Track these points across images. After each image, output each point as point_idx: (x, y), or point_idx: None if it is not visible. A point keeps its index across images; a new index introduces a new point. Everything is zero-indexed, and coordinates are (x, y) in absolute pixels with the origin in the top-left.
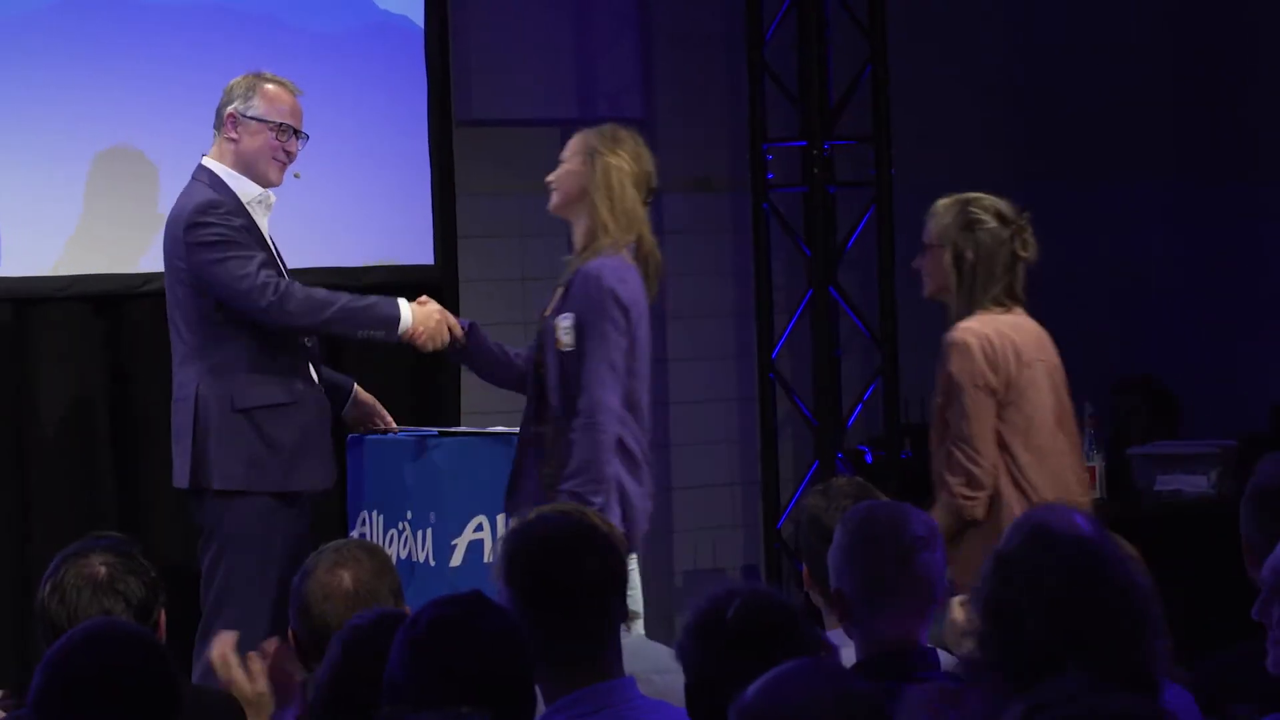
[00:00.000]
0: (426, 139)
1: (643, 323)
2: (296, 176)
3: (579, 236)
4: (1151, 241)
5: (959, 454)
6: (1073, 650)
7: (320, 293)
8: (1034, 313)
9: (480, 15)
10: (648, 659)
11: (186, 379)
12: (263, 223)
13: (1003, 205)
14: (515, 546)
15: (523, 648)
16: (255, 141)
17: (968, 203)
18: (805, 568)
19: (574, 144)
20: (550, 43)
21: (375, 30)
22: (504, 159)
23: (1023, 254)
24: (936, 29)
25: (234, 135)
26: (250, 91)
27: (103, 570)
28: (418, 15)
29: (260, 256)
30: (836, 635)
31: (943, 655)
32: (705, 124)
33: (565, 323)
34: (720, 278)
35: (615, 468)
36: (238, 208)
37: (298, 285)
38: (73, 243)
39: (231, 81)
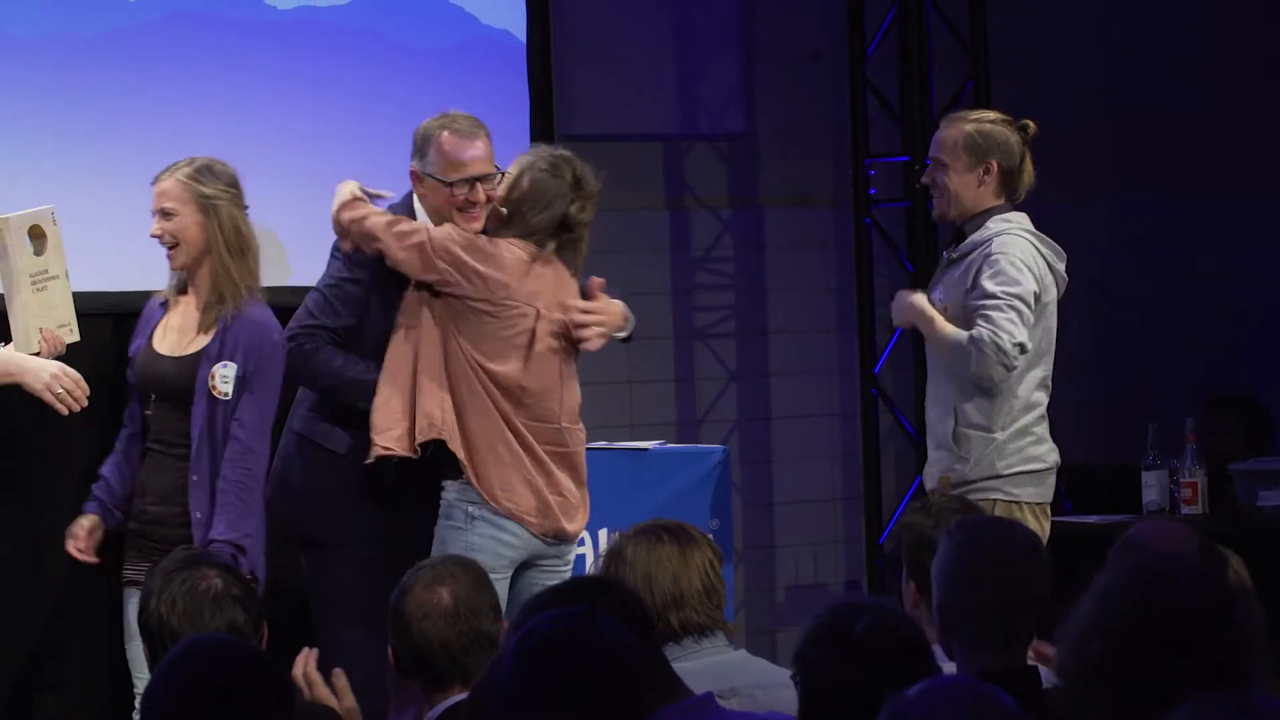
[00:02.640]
0: None
1: None
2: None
3: None
4: (1250, 257)
5: None
6: (1181, 683)
7: (332, 362)
8: (1130, 325)
9: (582, 31)
10: (751, 674)
11: None
12: None
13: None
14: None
15: (635, 664)
16: (437, 198)
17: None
18: (912, 585)
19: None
20: (653, 58)
21: (478, 45)
22: (607, 174)
23: None
24: (1038, 42)
25: (420, 190)
26: (426, 145)
27: (219, 582)
28: (520, 30)
29: (330, 320)
30: (936, 652)
31: (1045, 673)
32: (807, 139)
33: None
34: (822, 293)
35: None
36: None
37: (321, 349)
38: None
39: (415, 130)
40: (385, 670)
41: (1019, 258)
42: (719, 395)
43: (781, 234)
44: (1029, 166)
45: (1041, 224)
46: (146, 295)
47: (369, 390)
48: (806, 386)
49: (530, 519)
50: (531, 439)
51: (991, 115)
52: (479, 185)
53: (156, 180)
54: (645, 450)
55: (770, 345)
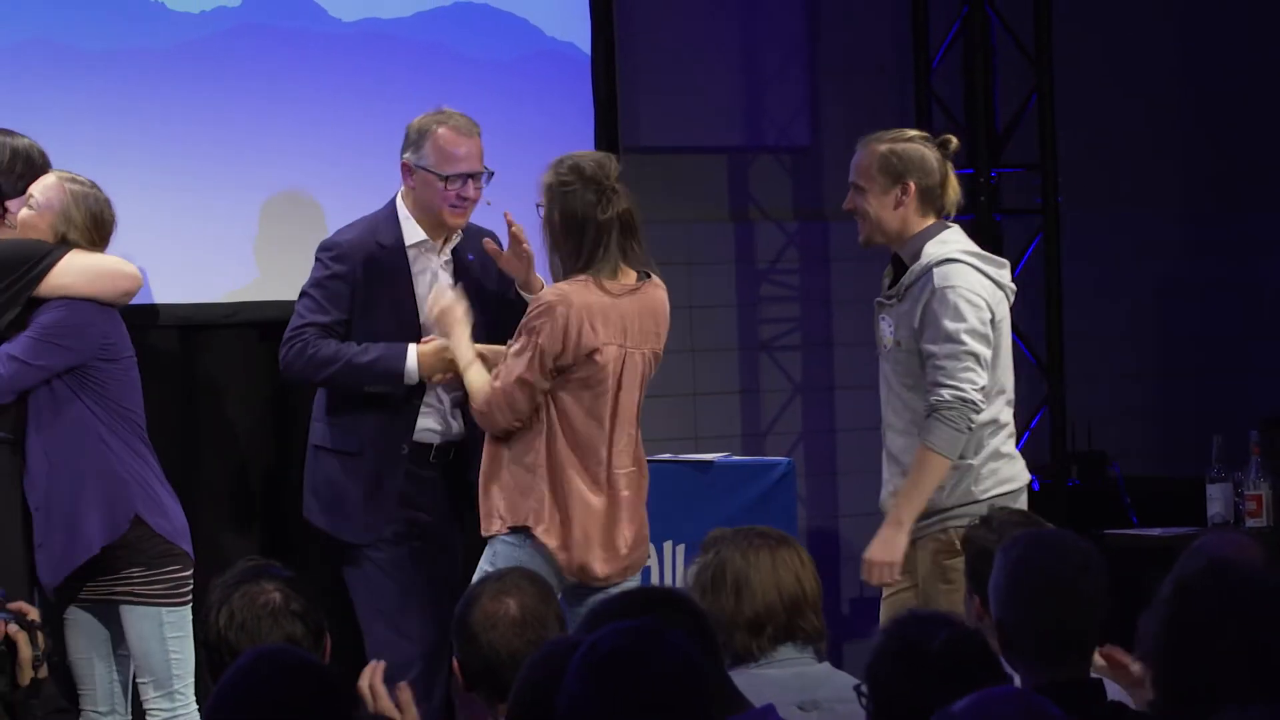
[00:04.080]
0: None
1: None
2: (488, 204)
3: None
4: None
5: None
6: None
7: (326, 350)
8: (1193, 338)
9: (647, 43)
10: (835, 687)
11: None
12: (422, 265)
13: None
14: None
15: (703, 678)
16: (428, 191)
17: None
18: (976, 598)
19: None
20: (718, 70)
21: (543, 58)
22: (671, 186)
23: None
24: (1103, 55)
25: (410, 183)
26: (422, 139)
27: (278, 596)
28: (584, 42)
29: (322, 317)
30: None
31: (1111, 686)
32: None
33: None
34: None
35: None
36: (371, 253)
37: (314, 342)
38: (243, 270)
39: (409, 124)
40: (450, 681)
41: (967, 289)
42: (784, 408)
43: (846, 246)
44: (954, 183)
45: (1105, 235)
46: (212, 307)
47: (366, 372)
48: (871, 399)
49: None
50: None
51: (908, 134)
52: (470, 182)
53: None
54: (710, 463)
55: (835, 357)
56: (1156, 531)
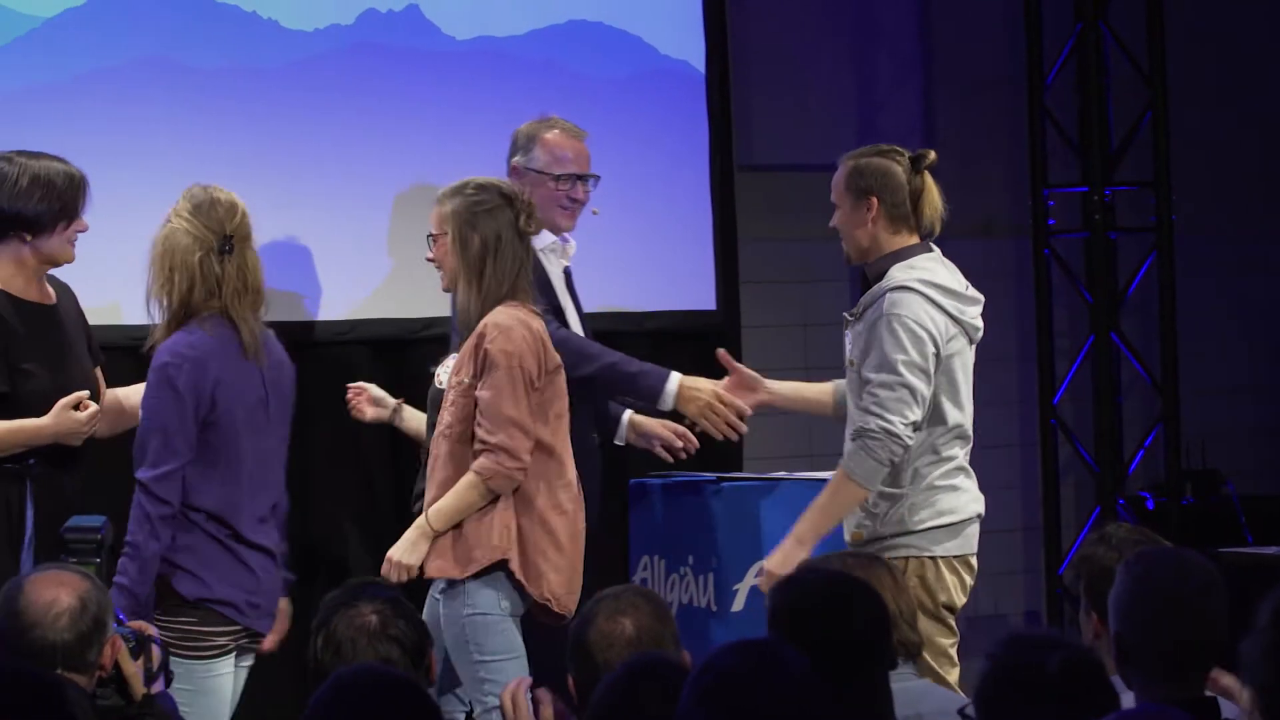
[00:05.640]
0: (708, 184)
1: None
2: (595, 213)
3: None
4: None
5: None
6: None
7: (589, 347)
8: None
9: (761, 60)
10: (936, 701)
11: None
12: (555, 269)
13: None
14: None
15: (817, 696)
16: (539, 193)
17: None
18: (1094, 616)
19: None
20: (832, 87)
21: (657, 76)
22: (785, 204)
23: None
24: (1217, 72)
25: (520, 186)
26: (530, 143)
27: (374, 619)
28: (699, 60)
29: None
30: (1115, 682)
31: (1225, 704)
32: (986, 169)
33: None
34: (1002, 323)
35: None
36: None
37: (571, 334)
38: (363, 286)
39: (516, 130)
40: (565, 697)
41: (913, 320)
42: None
43: (961, 263)
44: (932, 199)
45: (1219, 252)
46: (329, 325)
47: (626, 382)
48: (985, 417)
49: None
50: None
51: (879, 149)
52: (579, 184)
53: None
54: (825, 480)
55: None
56: (1271, 550)
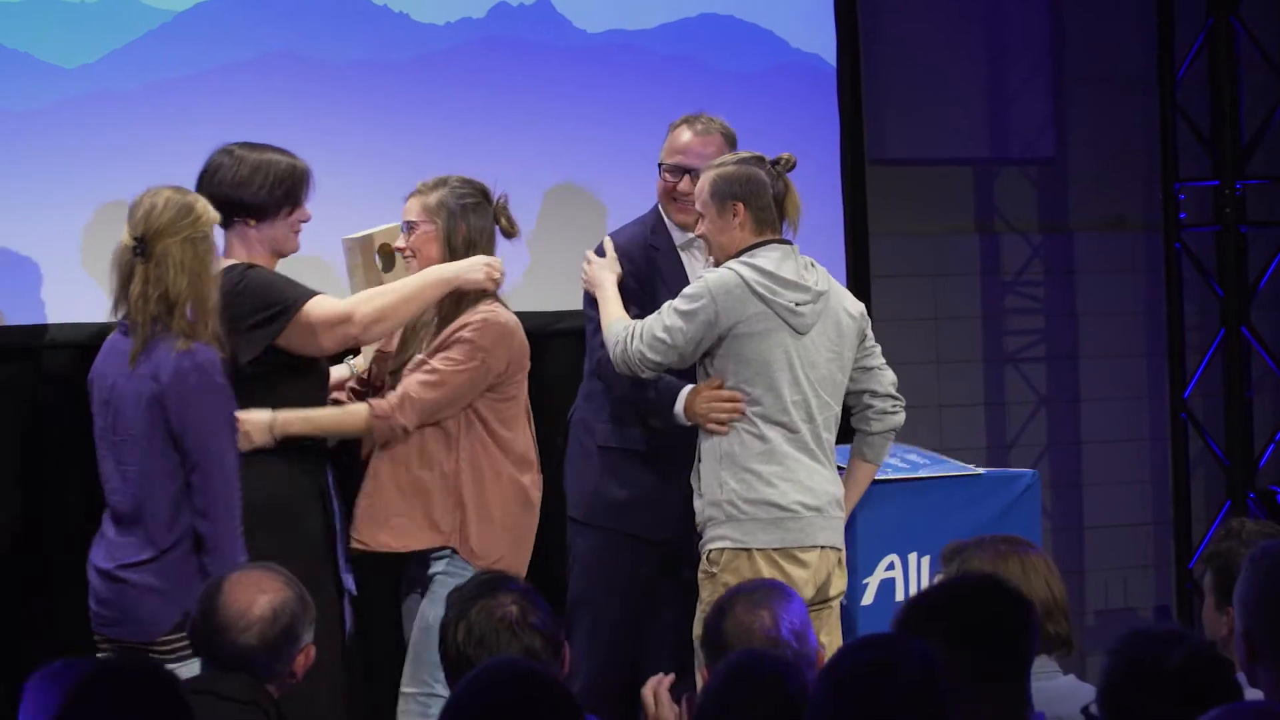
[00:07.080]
0: (839, 178)
1: None
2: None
3: None
4: None
5: None
6: None
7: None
8: None
9: (892, 55)
10: (1081, 700)
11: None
12: (697, 265)
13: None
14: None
15: (942, 691)
16: (660, 185)
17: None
18: (1225, 612)
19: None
20: (963, 82)
21: (788, 70)
22: (916, 198)
23: None
24: None
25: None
26: (668, 134)
27: (515, 609)
28: (830, 55)
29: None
30: (1240, 678)
31: None
32: (1117, 164)
33: None
34: (1132, 317)
35: None
36: (649, 255)
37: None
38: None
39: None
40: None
41: (706, 284)
42: (1029, 419)
43: (1091, 258)
44: (793, 197)
45: None
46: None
47: (667, 394)
48: (1116, 411)
49: None
50: None
51: (741, 156)
52: (686, 176)
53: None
54: (954, 477)
55: (1080, 370)
56: None
